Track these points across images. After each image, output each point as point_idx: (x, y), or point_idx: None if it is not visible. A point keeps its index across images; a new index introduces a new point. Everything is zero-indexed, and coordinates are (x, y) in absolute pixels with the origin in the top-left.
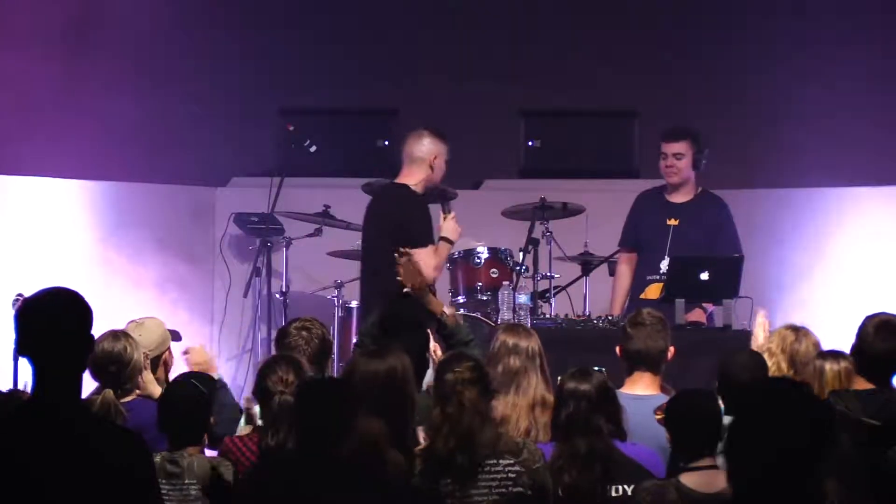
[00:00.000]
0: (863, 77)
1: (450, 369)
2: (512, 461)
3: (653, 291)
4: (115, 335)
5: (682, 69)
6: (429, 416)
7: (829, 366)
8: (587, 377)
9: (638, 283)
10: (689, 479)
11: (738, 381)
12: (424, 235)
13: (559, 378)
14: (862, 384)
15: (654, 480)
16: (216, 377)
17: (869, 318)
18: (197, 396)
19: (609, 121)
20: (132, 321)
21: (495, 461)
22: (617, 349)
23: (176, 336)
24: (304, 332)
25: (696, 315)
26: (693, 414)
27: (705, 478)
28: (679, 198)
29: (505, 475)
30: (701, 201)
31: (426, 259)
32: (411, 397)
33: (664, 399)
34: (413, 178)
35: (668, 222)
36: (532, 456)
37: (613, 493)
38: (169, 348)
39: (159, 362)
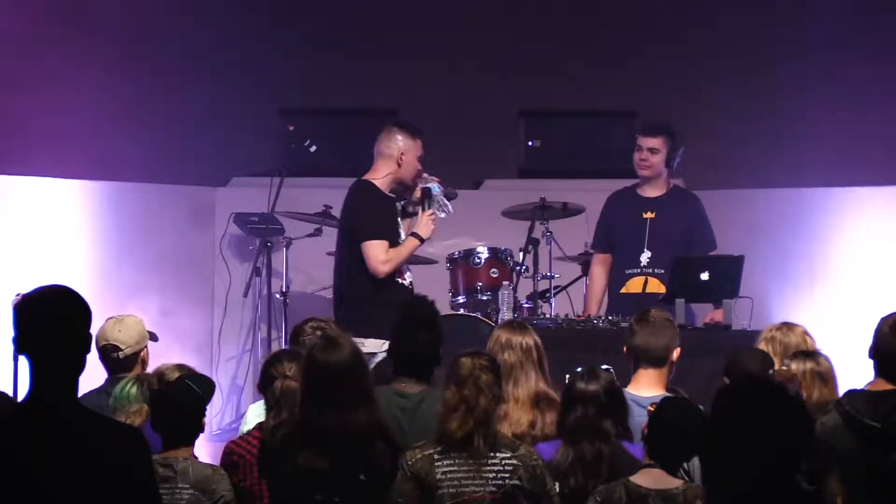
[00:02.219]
0: (863, 77)
1: (468, 356)
2: (509, 455)
3: (634, 285)
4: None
5: (682, 69)
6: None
7: (794, 366)
8: (595, 378)
9: (617, 278)
10: (639, 478)
11: (748, 374)
12: (373, 229)
13: (567, 377)
14: (882, 385)
15: (604, 486)
16: None
17: (884, 319)
18: (192, 397)
19: (609, 121)
20: (111, 317)
21: (492, 454)
22: (624, 348)
23: (153, 337)
24: (318, 332)
25: (718, 315)
26: (673, 427)
27: (654, 475)
28: (652, 192)
29: (501, 468)
30: (675, 196)
31: (374, 252)
32: (371, 384)
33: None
34: (378, 173)
35: (645, 216)
36: (529, 454)
37: None
38: (146, 346)
39: (137, 359)
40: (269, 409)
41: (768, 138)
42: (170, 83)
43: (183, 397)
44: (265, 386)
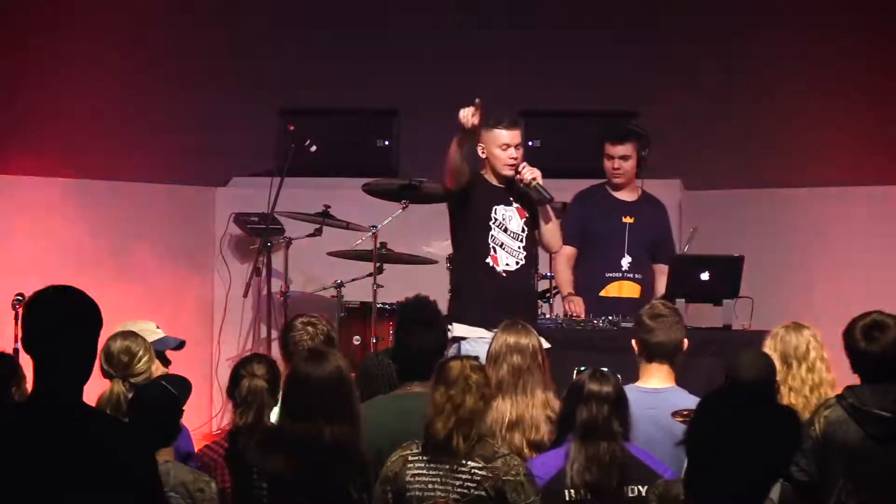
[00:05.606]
0: (862, 78)
1: (456, 359)
2: (480, 465)
3: (615, 289)
4: (131, 332)
5: (682, 69)
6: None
7: None
8: (607, 379)
9: (596, 281)
10: None
11: (744, 381)
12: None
13: (574, 375)
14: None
15: (665, 480)
16: None
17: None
18: (169, 398)
19: (609, 121)
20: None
21: (464, 461)
22: (633, 342)
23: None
24: (309, 328)
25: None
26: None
27: None
28: (627, 196)
29: (469, 476)
30: (648, 201)
31: None
32: (355, 401)
33: (680, 392)
34: (484, 167)
35: (624, 220)
36: (506, 468)
37: (630, 494)
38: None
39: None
40: (235, 408)
41: (768, 138)
42: (170, 83)
43: (160, 398)
44: (233, 387)
